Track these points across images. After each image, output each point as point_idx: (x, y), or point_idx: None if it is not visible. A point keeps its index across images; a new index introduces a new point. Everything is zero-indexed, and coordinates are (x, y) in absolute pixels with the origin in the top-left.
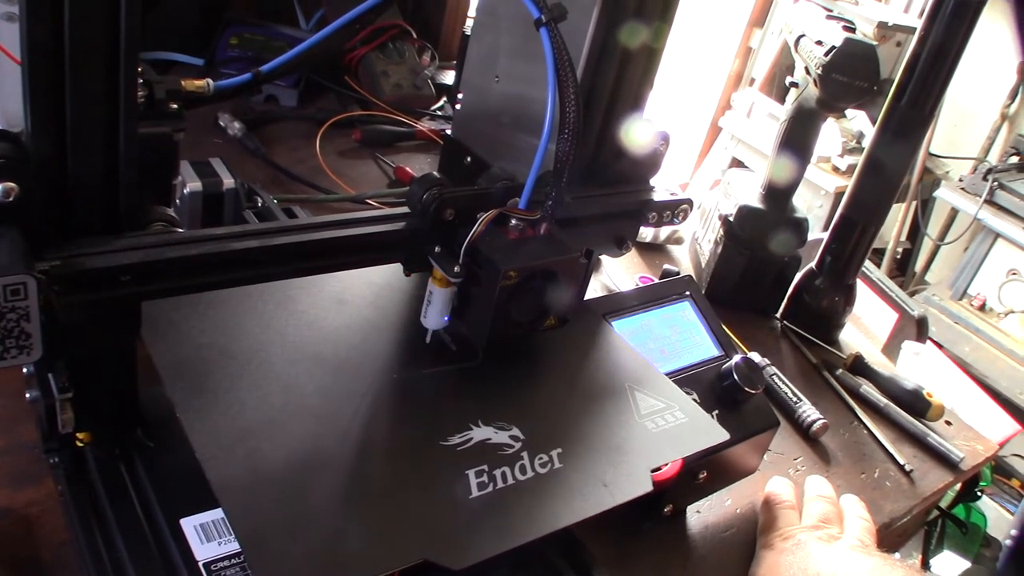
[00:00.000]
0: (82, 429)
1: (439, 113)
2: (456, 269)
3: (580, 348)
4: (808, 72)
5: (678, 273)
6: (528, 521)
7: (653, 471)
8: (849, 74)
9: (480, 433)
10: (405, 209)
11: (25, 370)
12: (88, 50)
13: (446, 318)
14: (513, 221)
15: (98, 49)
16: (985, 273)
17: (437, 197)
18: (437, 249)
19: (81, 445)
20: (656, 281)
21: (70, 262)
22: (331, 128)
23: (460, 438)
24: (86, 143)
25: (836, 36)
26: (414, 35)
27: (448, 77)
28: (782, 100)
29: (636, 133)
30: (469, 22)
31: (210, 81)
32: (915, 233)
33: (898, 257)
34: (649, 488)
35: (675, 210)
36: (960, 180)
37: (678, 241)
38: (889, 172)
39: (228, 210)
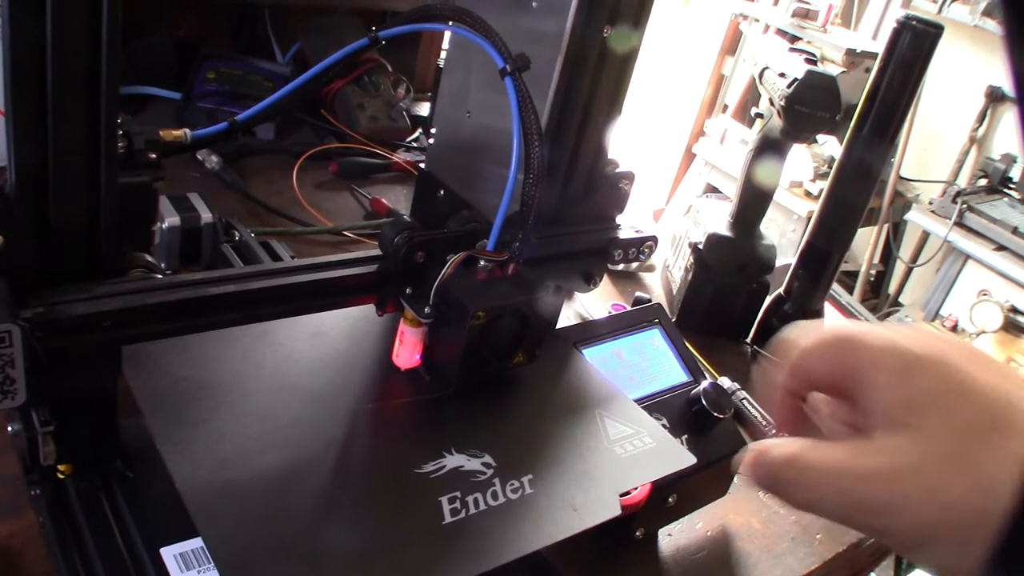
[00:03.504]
0: (63, 461)
1: (414, 145)
2: (427, 310)
3: (551, 376)
4: (772, 103)
5: (650, 300)
6: (500, 545)
7: (622, 495)
8: (811, 105)
9: (453, 460)
10: (375, 251)
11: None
12: (69, 103)
13: (418, 356)
14: (482, 262)
15: (79, 101)
16: (956, 294)
17: (408, 241)
18: (408, 291)
19: (62, 477)
20: (628, 309)
21: (53, 309)
22: (308, 160)
23: (433, 466)
24: (68, 193)
25: (798, 68)
26: (389, 68)
27: (423, 109)
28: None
29: (602, 172)
30: (443, 55)
31: (187, 131)
32: (887, 256)
33: (871, 279)
34: (618, 512)
35: (640, 247)
36: (930, 203)
37: (650, 269)
38: (853, 199)
39: (206, 244)
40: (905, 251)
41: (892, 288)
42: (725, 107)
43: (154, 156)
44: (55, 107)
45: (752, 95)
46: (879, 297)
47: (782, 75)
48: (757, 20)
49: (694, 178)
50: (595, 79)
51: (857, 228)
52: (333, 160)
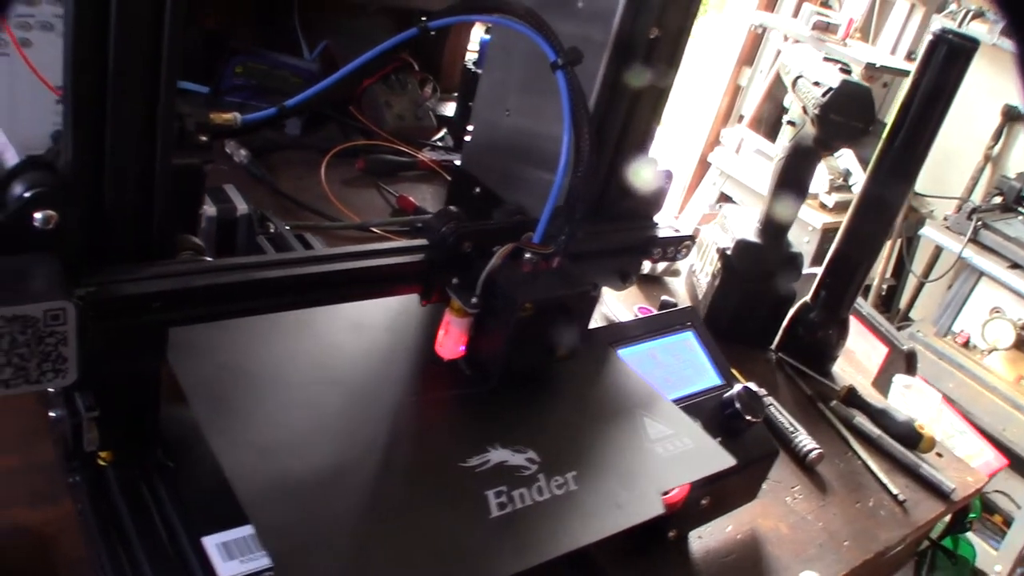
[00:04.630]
0: (105, 448)
1: (439, 144)
2: (474, 300)
3: (589, 375)
4: (805, 112)
5: (676, 305)
6: (548, 540)
7: (663, 494)
8: (845, 114)
9: (497, 455)
10: (421, 241)
11: (50, 389)
12: (130, 84)
13: (462, 347)
14: (527, 255)
15: (139, 83)
16: (969, 311)
17: (455, 231)
18: (455, 280)
19: (103, 464)
20: (655, 312)
21: (105, 289)
22: (334, 157)
23: (478, 460)
24: (124, 173)
25: (833, 78)
26: (416, 67)
27: (448, 109)
28: (771, 137)
29: (642, 171)
30: (469, 55)
31: (238, 115)
32: (900, 270)
33: (883, 294)
34: (661, 510)
35: (678, 246)
36: (945, 219)
37: (675, 273)
38: (883, 210)
39: (241, 236)
40: (917, 266)
41: (903, 303)
42: (741, 117)
43: (204, 139)
44: (116, 88)
45: (769, 106)
46: (890, 311)
47: (817, 84)
48: (776, 30)
49: (708, 187)
50: (641, 73)
51: (886, 239)
52: (360, 157)
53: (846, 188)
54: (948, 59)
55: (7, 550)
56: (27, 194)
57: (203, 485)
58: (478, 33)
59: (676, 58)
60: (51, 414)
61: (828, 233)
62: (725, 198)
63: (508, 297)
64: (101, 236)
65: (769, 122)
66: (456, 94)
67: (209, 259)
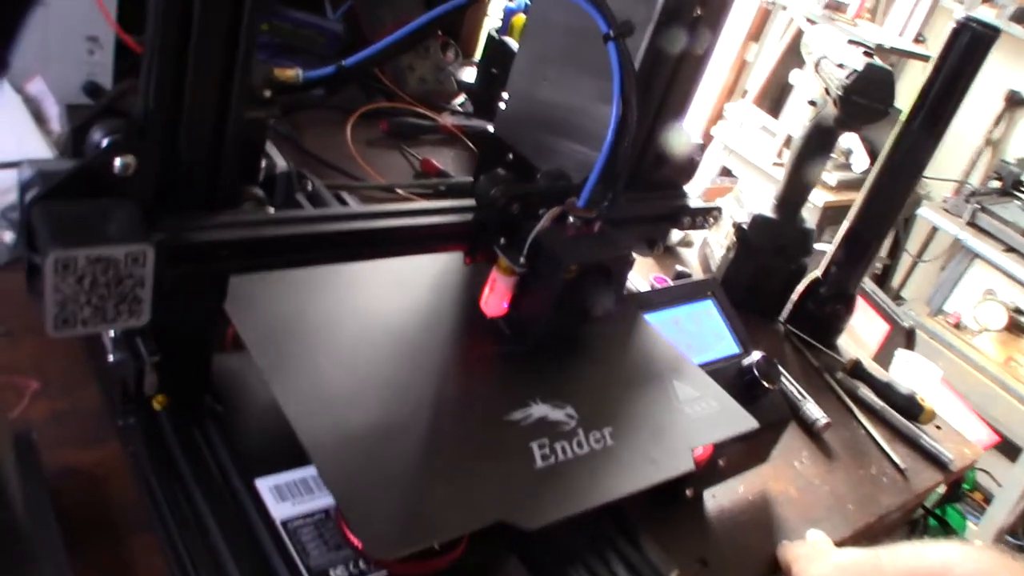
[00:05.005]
0: (161, 393)
1: (459, 109)
2: (522, 260)
3: (620, 338)
4: (828, 92)
5: (690, 275)
6: (589, 490)
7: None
8: (868, 97)
9: (539, 410)
10: (469, 201)
11: (112, 334)
12: (213, 39)
13: (505, 305)
14: (571, 219)
15: (221, 38)
16: (961, 292)
17: (506, 192)
18: (503, 240)
19: (157, 408)
20: (670, 282)
21: (177, 235)
22: (357, 118)
23: (521, 414)
24: (200, 123)
25: (857, 60)
26: (439, 32)
27: (468, 75)
28: (775, 113)
29: (677, 141)
30: (488, 23)
31: (300, 71)
32: (895, 249)
33: (877, 272)
34: (691, 467)
35: (707, 216)
36: (944, 201)
37: (688, 244)
38: (896, 191)
39: (280, 192)
40: (912, 246)
41: (896, 281)
42: (745, 92)
43: (268, 93)
44: (199, 42)
45: (775, 82)
46: (883, 289)
47: (841, 66)
48: (785, 8)
49: (710, 160)
50: (681, 55)
51: (897, 217)
52: (383, 119)
53: (847, 167)
54: (970, 46)
55: (61, 491)
56: (106, 141)
57: (251, 430)
58: (501, 1)
59: (715, 36)
60: (110, 358)
61: (828, 211)
62: (726, 172)
63: (554, 258)
64: (173, 184)
65: (773, 98)
66: (477, 60)
67: (272, 210)
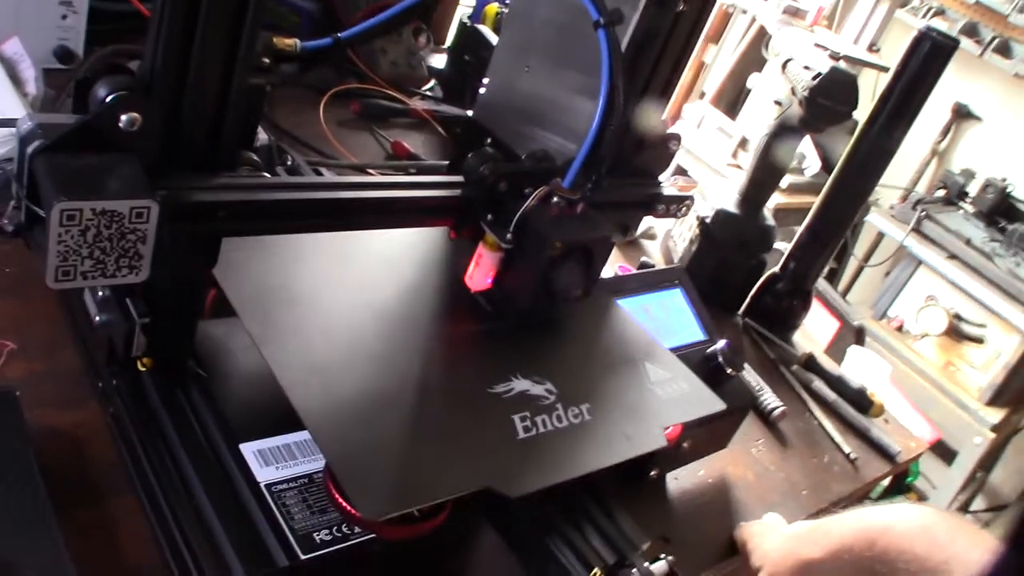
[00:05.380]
0: (148, 355)
1: (429, 94)
2: (508, 236)
3: (595, 320)
4: (794, 93)
5: (654, 266)
6: (569, 462)
7: (664, 430)
8: (833, 99)
9: (520, 384)
10: (458, 177)
11: (100, 293)
12: (221, 8)
13: (489, 280)
14: (555, 199)
15: (229, 7)
16: (905, 297)
17: (494, 171)
18: (489, 217)
19: (143, 370)
20: (635, 271)
21: (178, 194)
22: (328, 98)
23: (503, 387)
24: (205, 84)
25: (823, 63)
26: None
27: (439, 61)
28: (731, 114)
29: (655, 131)
30: (461, 10)
31: (298, 41)
32: (842, 253)
33: (824, 275)
34: (664, 443)
35: (680, 204)
36: (891, 208)
37: (651, 237)
38: (855, 194)
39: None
40: (859, 250)
41: (842, 285)
42: (703, 94)
43: (267, 61)
44: (207, 14)
45: (732, 84)
46: None
47: (807, 68)
48: (745, 12)
49: None
50: (663, 47)
51: (855, 218)
52: (355, 100)
53: (799, 171)
54: (930, 55)
55: (43, 452)
56: (111, 97)
57: (233, 396)
58: None
59: (697, 30)
60: (96, 319)
61: (779, 213)
62: (682, 171)
63: (540, 236)
64: (175, 144)
65: (730, 100)
66: (447, 47)
67: (267, 175)
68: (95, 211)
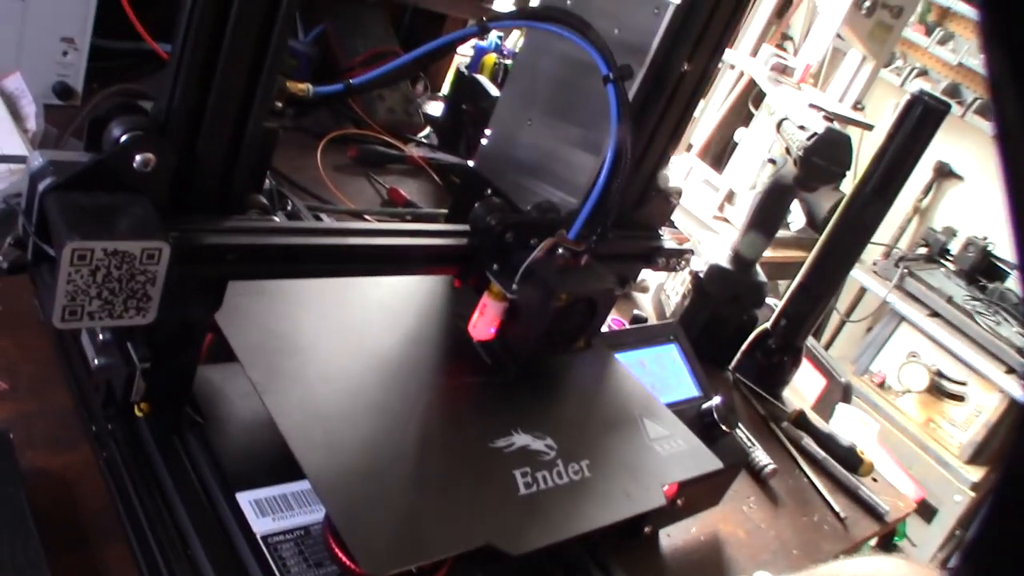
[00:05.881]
0: (147, 400)
1: (424, 141)
2: (514, 286)
3: (594, 373)
4: (788, 152)
5: (646, 319)
6: (570, 519)
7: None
8: (827, 159)
9: (521, 439)
10: (464, 226)
11: (100, 336)
12: (240, 56)
13: (493, 329)
14: (560, 250)
15: (249, 55)
16: (887, 353)
17: (501, 220)
18: (495, 266)
19: (139, 415)
20: (627, 325)
21: (188, 236)
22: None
23: (504, 442)
24: (220, 127)
25: (818, 123)
26: None
27: (435, 108)
28: (717, 167)
29: (657, 185)
30: (458, 59)
31: (310, 86)
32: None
33: None
34: (663, 502)
35: (680, 258)
36: (874, 264)
37: (644, 289)
38: (848, 250)
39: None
40: (841, 305)
41: (824, 339)
42: (690, 146)
43: (280, 105)
44: (228, 58)
45: (718, 137)
46: None
47: (802, 128)
48: (733, 67)
49: None
50: (667, 105)
51: (845, 279)
52: (352, 145)
53: (785, 226)
54: (922, 118)
55: (33, 493)
56: (126, 137)
57: (230, 444)
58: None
59: (700, 90)
60: (94, 362)
61: (764, 267)
62: (668, 223)
63: (546, 287)
64: (186, 185)
65: (716, 153)
66: (444, 95)
67: (276, 219)
68: (106, 251)
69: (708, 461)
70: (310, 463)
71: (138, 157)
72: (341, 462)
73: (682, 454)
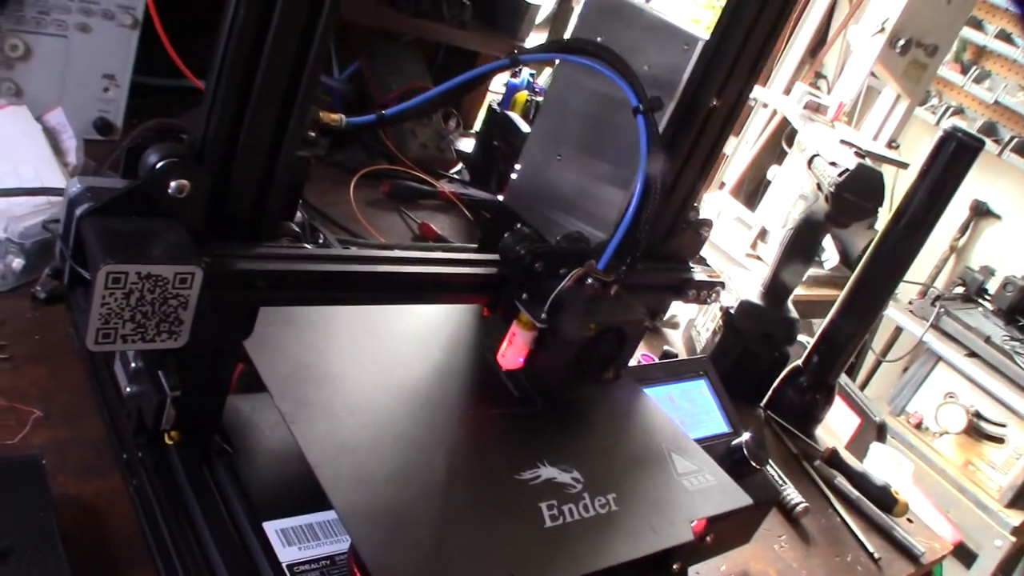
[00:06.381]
0: (176, 428)
1: (456, 177)
2: (543, 316)
3: (622, 408)
4: (820, 188)
5: (676, 355)
6: (596, 553)
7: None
8: (858, 195)
9: (547, 472)
10: (494, 256)
11: (132, 365)
12: (274, 88)
13: (521, 359)
14: (590, 280)
15: (282, 88)
16: (924, 393)
17: (530, 250)
18: (524, 296)
19: (170, 443)
20: (657, 360)
21: (220, 261)
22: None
23: (530, 474)
24: (255, 156)
25: (849, 160)
26: None
27: (467, 145)
28: (750, 206)
29: (688, 217)
30: (490, 96)
31: (343, 117)
32: (860, 347)
33: None
34: (690, 537)
35: (711, 290)
36: (910, 303)
37: (674, 326)
38: (881, 287)
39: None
40: (876, 345)
41: (859, 380)
42: (723, 184)
43: (313, 135)
44: (261, 89)
45: (751, 175)
46: None
47: (833, 164)
48: (766, 105)
49: None
50: (696, 139)
51: (878, 315)
52: (384, 181)
53: (818, 264)
54: (956, 154)
55: (63, 519)
56: (162, 163)
57: (258, 473)
58: (502, 77)
59: (729, 124)
60: (126, 390)
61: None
62: (700, 260)
63: (575, 316)
64: (220, 212)
65: (749, 191)
66: (475, 131)
67: (308, 247)
68: (140, 275)
69: (737, 497)
70: (337, 494)
71: (173, 183)
72: (367, 493)
73: (710, 489)
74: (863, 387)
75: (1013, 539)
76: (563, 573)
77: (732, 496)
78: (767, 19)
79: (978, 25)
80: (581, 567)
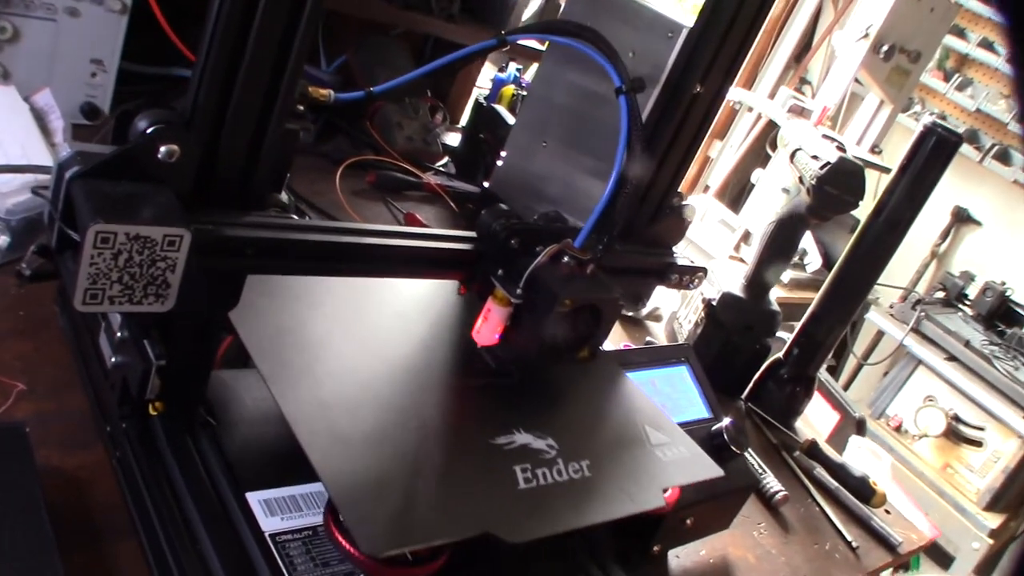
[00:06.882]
0: (161, 399)
1: (442, 170)
2: (518, 291)
3: (600, 383)
4: (801, 182)
5: None
6: (569, 514)
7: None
8: (840, 188)
9: (521, 438)
10: (471, 233)
11: (119, 335)
12: (263, 59)
13: (497, 335)
14: (566, 258)
15: (271, 59)
16: (904, 396)
17: (506, 226)
18: (500, 272)
19: (153, 415)
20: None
21: (209, 227)
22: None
23: (505, 439)
24: (243, 124)
25: (831, 153)
26: (429, 94)
27: (453, 139)
28: (735, 208)
29: (671, 202)
30: (476, 91)
31: (332, 92)
32: (840, 350)
33: (823, 369)
34: (662, 504)
35: (693, 275)
36: (891, 307)
37: (657, 318)
38: (860, 281)
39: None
40: (858, 348)
41: (841, 382)
42: (707, 187)
43: (301, 108)
44: (251, 59)
45: (735, 178)
46: None
47: (815, 157)
48: (751, 109)
49: None
50: (680, 125)
51: (859, 306)
52: (371, 171)
53: (801, 267)
54: (935, 149)
55: (47, 491)
56: (152, 128)
57: (241, 446)
58: (489, 72)
59: (712, 113)
60: (111, 360)
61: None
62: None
63: (549, 292)
64: (209, 179)
65: (733, 194)
66: (462, 125)
67: (296, 217)
68: (129, 235)
69: (709, 468)
70: (314, 450)
71: (163, 148)
72: (344, 449)
73: (684, 460)
74: (844, 390)
75: (991, 542)
76: (537, 530)
77: (704, 467)
78: (750, 6)
79: (961, 33)
80: (555, 525)
